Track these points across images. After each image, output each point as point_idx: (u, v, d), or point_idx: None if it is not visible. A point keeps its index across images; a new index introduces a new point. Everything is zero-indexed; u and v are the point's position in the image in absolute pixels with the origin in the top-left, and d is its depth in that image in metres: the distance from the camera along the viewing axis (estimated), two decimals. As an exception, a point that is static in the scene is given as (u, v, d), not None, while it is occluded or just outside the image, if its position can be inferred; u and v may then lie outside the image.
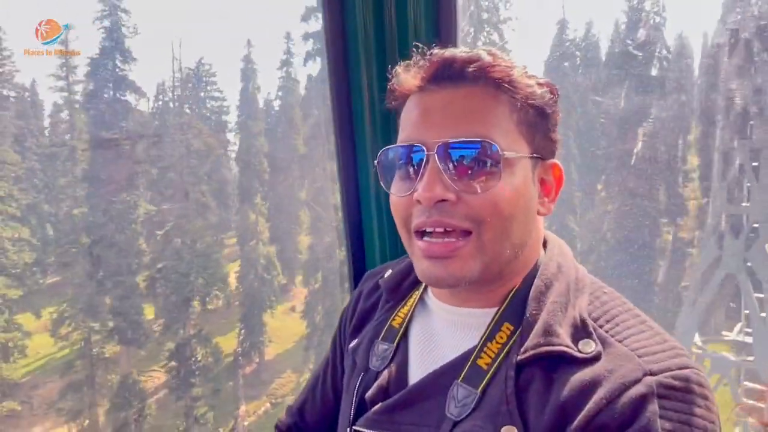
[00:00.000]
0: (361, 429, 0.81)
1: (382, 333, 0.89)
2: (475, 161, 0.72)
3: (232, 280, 18.51)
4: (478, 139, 0.72)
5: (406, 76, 0.78)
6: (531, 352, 0.69)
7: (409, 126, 0.77)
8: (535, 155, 0.77)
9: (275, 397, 16.42)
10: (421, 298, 0.90)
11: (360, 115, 1.30)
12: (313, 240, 19.18)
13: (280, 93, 20.93)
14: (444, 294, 0.84)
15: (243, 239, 18.95)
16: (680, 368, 0.65)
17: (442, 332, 0.83)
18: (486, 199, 0.72)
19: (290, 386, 16.55)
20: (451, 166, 0.72)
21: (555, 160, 0.81)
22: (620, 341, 0.69)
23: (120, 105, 17.54)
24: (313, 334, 17.37)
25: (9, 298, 15.04)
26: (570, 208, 16.83)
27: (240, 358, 17.12)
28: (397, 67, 0.80)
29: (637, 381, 0.64)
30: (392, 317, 0.90)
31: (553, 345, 0.69)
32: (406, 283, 0.93)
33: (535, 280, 0.77)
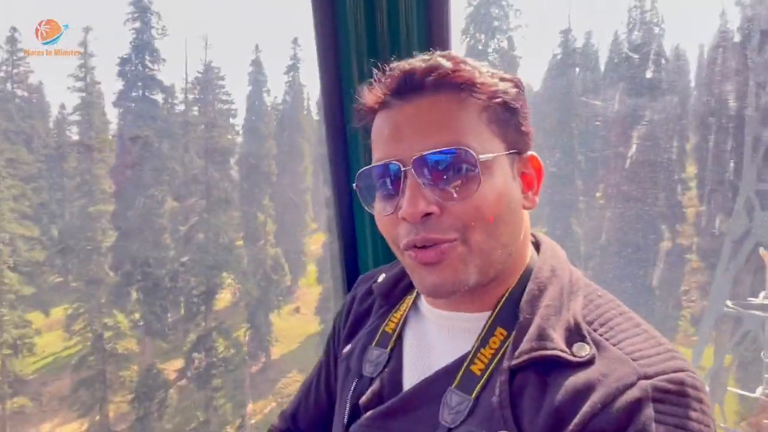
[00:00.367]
0: None
1: (376, 338, 0.88)
2: (453, 169, 0.71)
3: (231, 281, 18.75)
4: (452, 147, 0.71)
5: (370, 94, 0.78)
6: (525, 357, 0.68)
7: (381, 144, 0.77)
8: (511, 151, 0.76)
9: (281, 396, 16.51)
10: (414, 303, 0.89)
11: (351, 120, 1.30)
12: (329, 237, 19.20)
13: (287, 97, 21.32)
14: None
15: (250, 240, 19.12)
16: (675, 371, 0.64)
17: (435, 337, 0.83)
18: (470, 206, 0.71)
19: (295, 386, 16.66)
20: (429, 178, 0.71)
21: (532, 152, 0.80)
22: (615, 344, 0.68)
23: (148, 103, 18.18)
24: (325, 332, 17.44)
25: (22, 294, 15.29)
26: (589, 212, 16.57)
27: (247, 357, 17.24)
28: (359, 87, 0.80)
29: (631, 385, 0.63)
30: (385, 322, 0.89)
31: (546, 349, 0.68)
32: (399, 288, 0.93)
33: (529, 284, 0.76)
